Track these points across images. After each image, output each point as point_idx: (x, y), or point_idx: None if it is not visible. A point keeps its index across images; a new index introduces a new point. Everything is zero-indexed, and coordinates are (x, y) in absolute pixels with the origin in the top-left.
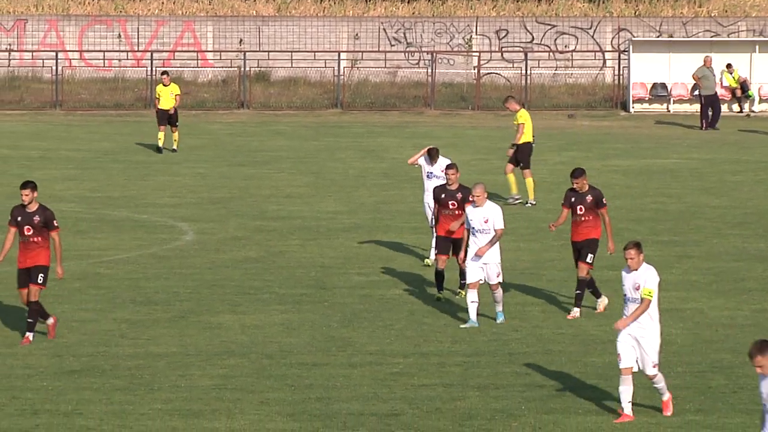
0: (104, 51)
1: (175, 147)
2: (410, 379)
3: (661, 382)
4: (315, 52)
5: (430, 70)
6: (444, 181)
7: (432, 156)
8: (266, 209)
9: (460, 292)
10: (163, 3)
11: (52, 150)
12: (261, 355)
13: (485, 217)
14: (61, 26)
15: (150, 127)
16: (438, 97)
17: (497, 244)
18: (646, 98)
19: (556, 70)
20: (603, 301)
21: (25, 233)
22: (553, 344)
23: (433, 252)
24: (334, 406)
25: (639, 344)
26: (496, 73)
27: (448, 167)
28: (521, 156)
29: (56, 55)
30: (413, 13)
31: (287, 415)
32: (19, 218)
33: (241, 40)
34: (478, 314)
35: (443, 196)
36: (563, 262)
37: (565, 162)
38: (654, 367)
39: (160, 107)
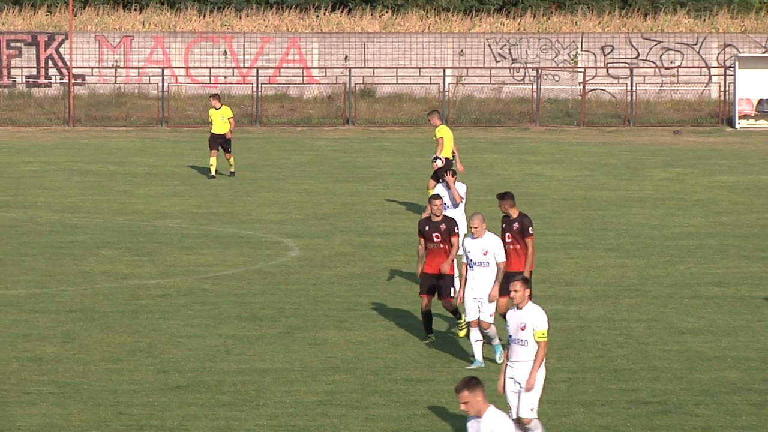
0: (210, 67)
1: (233, 170)
2: None
3: (536, 429)
4: (420, 68)
5: (535, 86)
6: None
7: (442, 178)
8: (371, 225)
9: (460, 323)
10: (268, 20)
11: (158, 166)
12: (366, 371)
13: (484, 249)
14: (167, 43)
15: (256, 144)
16: (543, 113)
17: (493, 278)
18: (752, 114)
19: (661, 86)
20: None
21: None
22: (659, 360)
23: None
24: (439, 423)
25: (520, 388)
26: (602, 89)
27: (433, 198)
28: (441, 171)
29: (162, 72)
30: (518, 29)
31: (392, 431)
32: None
33: (346, 57)
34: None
35: (427, 228)
36: (669, 278)
37: (671, 178)
38: (532, 410)
39: (213, 131)
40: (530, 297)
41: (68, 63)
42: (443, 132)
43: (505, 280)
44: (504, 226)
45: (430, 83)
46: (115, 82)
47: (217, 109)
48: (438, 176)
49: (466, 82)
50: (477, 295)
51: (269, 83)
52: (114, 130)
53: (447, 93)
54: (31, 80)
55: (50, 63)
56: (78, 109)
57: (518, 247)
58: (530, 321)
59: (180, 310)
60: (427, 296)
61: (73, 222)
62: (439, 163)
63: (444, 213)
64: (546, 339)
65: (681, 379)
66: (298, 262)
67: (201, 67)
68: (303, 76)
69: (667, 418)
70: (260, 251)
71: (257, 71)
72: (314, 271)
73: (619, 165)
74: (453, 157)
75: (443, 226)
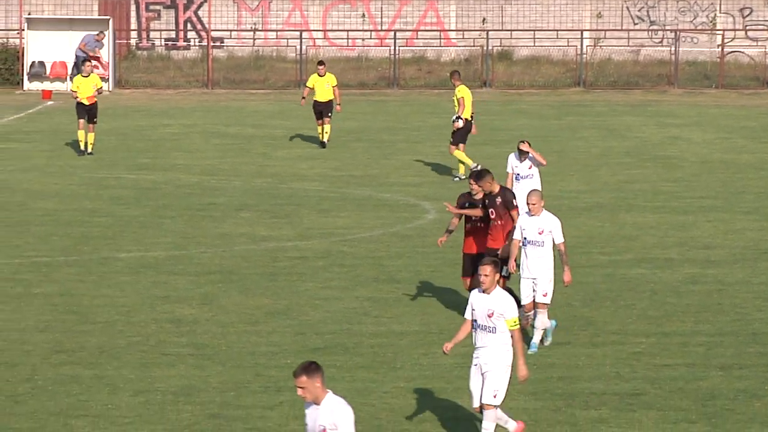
0: (348, 30)
1: (325, 139)
2: (652, 359)
3: (490, 420)
4: (558, 30)
5: (673, 49)
6: (530, 181)
7: (521, 150)
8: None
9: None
10: None
11: (296, 129)
12: None
13: (540, 227)
14: (305, 6)
15: (394, 107)
16: (681, 76)
17: (551, 258)
18: None
19: None
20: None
21: None
22: None
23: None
24: (577, 386)
25: (482, 373)
26: (740, 52)
27: (470, 179)
28: (459, 131)
29: (300, 35)
30: None
31: (530, 393)
32: None
33: (484, 19)
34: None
35: (466, 205)
36: None
37: None
38: (495, 397)
39: (315, 99)
40: (505, 280)
41: (207, 26)
42: (464, 92)
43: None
44: (486, 202)
45: (568, 45)
46: (253, 45)
47: (321, 76)
48: (458, 137)
49: (604, 45)
50: (531, 275)
51: (406, 46)
52: (252, 93)
53: (584, 55)
54: (170, 43)
55: (189, 26)
56: (216, 72)
57: (501, 222)
58: (498, 308)
59: (317, 272)
60: (471, 278)
61: (211, 184)
62: (460, 123)
63: (516, 183)
64: (519, 326)
65: None
66: (435, 225)
67: (339, 30)
68: (440, 38)
69: None
70: (397, 214)
71: (395, 34)
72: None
73: (757, 128)
74: (472, 118)
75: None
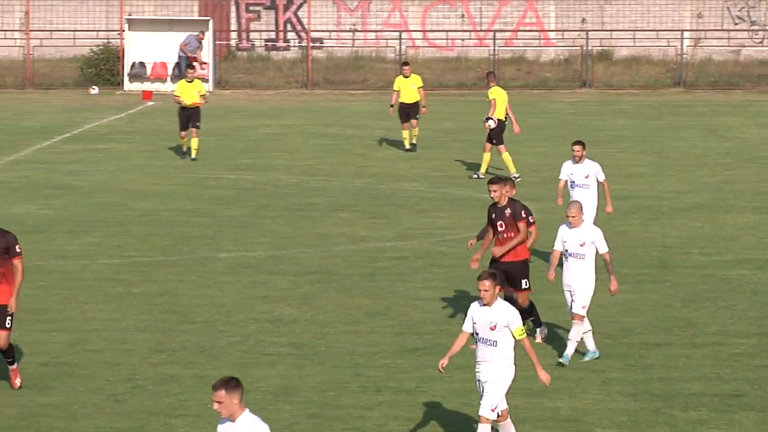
0: (447, 30)
1: (414, 141)
2: (752, 360)
3: None
4: (658, 30)
5: None
6: (585, 190)
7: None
8: None
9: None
10: None
11: (395, 130)
12: (602, 334)
13: (581, 239)
14: (404, 6)
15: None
16: None
17: (591, 270)
18: None
19: None
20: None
21: None
22: None
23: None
24: (676, 386)
25: (483, 386)
26: None
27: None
28: (494, 133)
29: (399, 35)
30: None
31: (629, 394)
32: None
33: (583, 19)
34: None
35: (493, 215)
36: None
37: None
38: (493, 410)
39: (401, 101)
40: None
41: (306, 26)
42: (496, 93)
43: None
44: (494, 215)
45: (668, 46)
46: (352, 46)
47: (406, 77)
48: (491, 137)
49: (704, 45)
50: (570, 286)
51: (506, 46)
52: (351, 93)
53: (685, 56)
54: (269, 44)
55: (289, 26)
56: (316, 73)
57: (511, 234)
58: (502, 320)
59: (417, 272)
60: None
61: (311, 185)
62: (491, 124)
63: (571, 190)
64: (526, 334)
65: None
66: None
67: (438, 30)
68: (540, 39)
69: None
70: None
71: (494, 34)
72: (551, 234)
73: None
74: (506, 118)
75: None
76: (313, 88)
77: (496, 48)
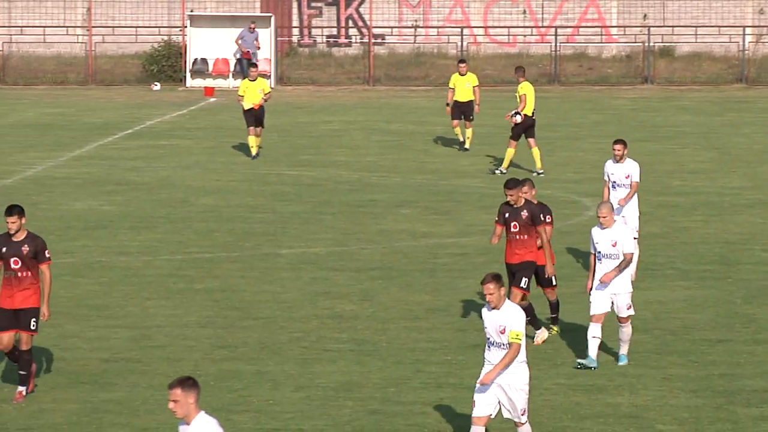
0: (508, 27)
1: (466, 147)
2: None
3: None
4: (719, 26)
5: None
6: (626, 190)
7: (618, 152)
8: (669, 185)
9: (552, 329)
10: None
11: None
12: (664, 330)
13: (614, 240)
14: (466, 2)
15: (554, 103)
16: None
17: (628, 271)
18: None
19: None
20: (542, 334)
21: (12, 267)
22: None
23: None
24: (738, 383)
25: (505, 392)
26: None
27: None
28: (521, 128)
29: (461, 31)
30: None
31: (690, 391)
32: (3, 249)
33: (645, 15)
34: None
35: (507, 215)
36: None
37: None
38: (523, 414)
39: (455, 99)
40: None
41: (368, 23)
42: (526, 89)
43: (516, 272)
44: (507, 215)
45: (730, 42)
46: (414, 42)
47: (462, 75)
48: (518, 133)
49: (766, 41)
50: (610, 289)
51: (567, 42)
52: (413, 90)
53: (747, 52)
54: (331, 40)
55: (350, 23)
56: (377, 69)
57: (527, 237)
58: (509, 323)
59: (478, 268)
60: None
61: (372, 181)
62: (518, 119)
63: (612, 191)
64: (520, 341)
65: None
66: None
67: (500, 27)
68: (601, 35)
69: None
70: (558, 210)
71: (555, 30)
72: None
73: None
74: (533, 114)
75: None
76: (375, 84)
77: (558, 44)
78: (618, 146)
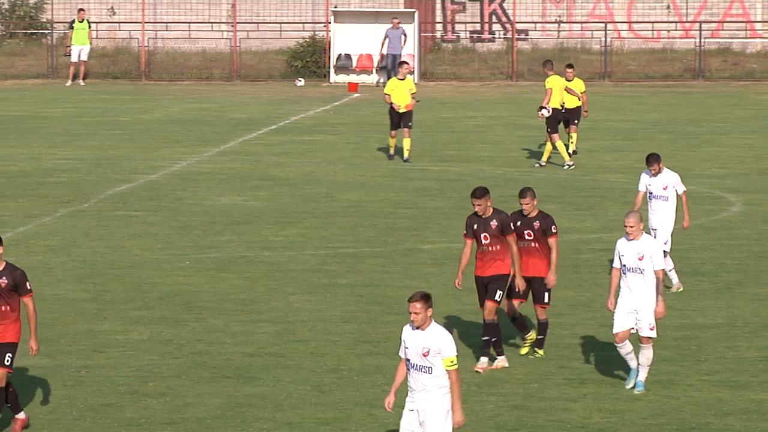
0: (652, 22)
1: (569, 151)
2: None
3: None
4: None
5: None
6: (664, 203)
7: (651, 163)
8: None
9: (537, 352)
10: None
11: (600, 121)
12: None
13: (640, 253)
14: None
15: (698, 98)
16: None
17: (653, 287)
18: None
19: None
20: (483, 364)
21: None
22: None
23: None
24: None
25: (422, 425)
26: None
27: (521, 194)
28: (549, 121)
29: (605, 26)
30: None
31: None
32: None
33: None
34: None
35: (519, 224)
36: None
37: None
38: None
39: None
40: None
41: (512, 18)
42: (552, 83)
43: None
44: (476, 227)
45: None
46: (557, 37)
47: (569, 80)
48: (552, 126)
49: None
50: (633, 305)
51: (712, 37)
52: None
53: None
54: (475, 35)
55: (494, 18)
56: (521, 64)
57: (498, 248)
58: (435, 346)
59: None
60: (516, 300)
61: (515, 176)
62: (545, 113)
63: (649, 202)
64: (456, 366)
65: None
66: (740, 218)
67: (644, 22)
68: (746, 30)
69: None
70: (702, 206)
71: (700, 25)
72: (756, 226)
73: None
74: (562, 108)
75: (537, 223)
76: (518, 79)
77: (702, 39)
78: (654, 166)
